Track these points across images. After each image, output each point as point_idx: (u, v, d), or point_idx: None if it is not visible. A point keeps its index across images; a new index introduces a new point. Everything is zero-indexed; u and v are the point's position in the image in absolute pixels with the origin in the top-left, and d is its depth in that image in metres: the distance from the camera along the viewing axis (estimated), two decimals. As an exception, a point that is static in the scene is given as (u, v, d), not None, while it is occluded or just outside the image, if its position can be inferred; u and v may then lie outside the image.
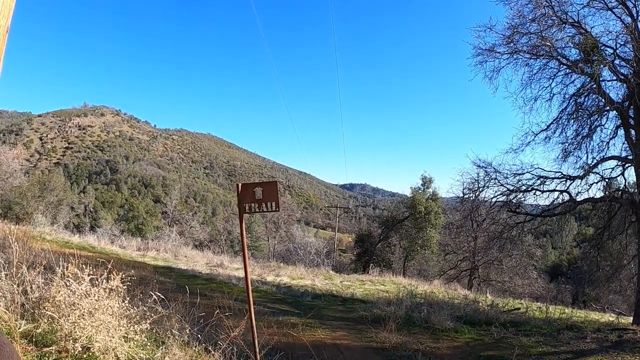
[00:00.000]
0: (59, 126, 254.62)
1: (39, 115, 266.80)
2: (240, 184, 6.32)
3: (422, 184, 44.05)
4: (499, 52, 15.90)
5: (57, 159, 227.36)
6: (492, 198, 17.73)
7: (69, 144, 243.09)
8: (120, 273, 5.20)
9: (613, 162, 15.57)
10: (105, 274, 5.09)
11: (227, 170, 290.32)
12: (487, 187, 17.71)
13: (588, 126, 15.39)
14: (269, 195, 6.16)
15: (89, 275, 4.92)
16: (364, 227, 55.49)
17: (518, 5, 15.22)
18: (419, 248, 42.67)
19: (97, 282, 4.92)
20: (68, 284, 4.88)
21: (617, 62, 14.22)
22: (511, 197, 16.87)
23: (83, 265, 5.10)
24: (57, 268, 5.22)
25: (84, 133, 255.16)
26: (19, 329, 4.60)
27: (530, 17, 15.02)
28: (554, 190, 16.18)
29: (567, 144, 15.69)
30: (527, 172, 16.33)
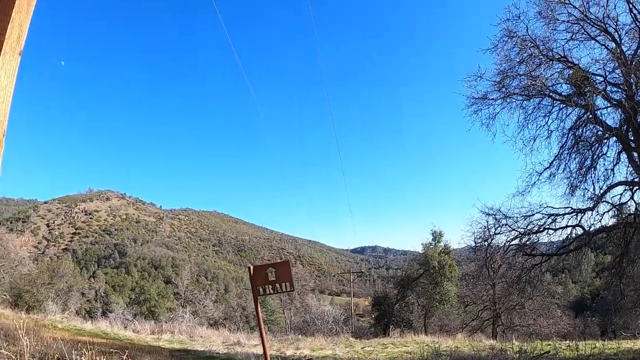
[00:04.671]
0: (66, 212, 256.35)
1: (45, 202, 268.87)
2: (252, 267, 6.24)
3: (432, 239, 43.92)
4: (492, 99, 16.28)
5: (65, 244, 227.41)
6: (505, 243, 17.56)
7: (76, 229, 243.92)
8: (136, 360, 5.00)
9: (621, 188, 15.56)
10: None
11: (236, 246, 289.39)
12: (499, 233, 17.66)
13: (590, 157, 15.50)
14: (283, 275, 6.07)
15: (103, 365, 4.73)
16: (380, 289, 54.83)
17: (504, 50, 15.70)
18: (437, 304, 41.93)
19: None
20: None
21: (608, 89, 14.51)
22: (524, 239, 16.77)
23: (97, 358, 4.92)
24: (70, 360, 5.04)
25: (91, 218, 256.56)
26: None
27: (517, 60, 15.44)
28: (566, 227, 16.07)
29: (572, 178, 15.76)
30: (536, 212, 16.34)
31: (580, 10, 14.25)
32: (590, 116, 14.35)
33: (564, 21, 14.63)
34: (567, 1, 14.27)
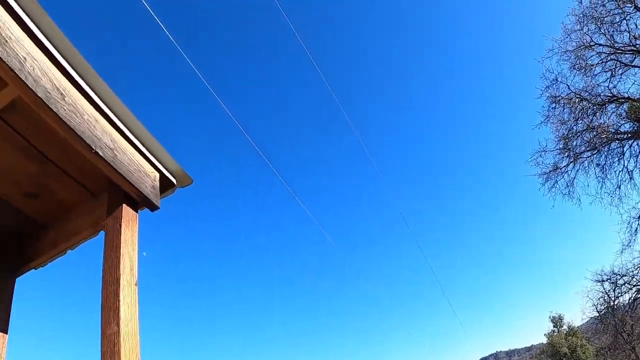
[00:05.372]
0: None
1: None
2: None
3: (554, 325, 41.46)
4: (564, 166, 16.25)
5: None
6: (629, 301, 16.37)
7: None
8: None
9: None
10: None
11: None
12: (620, 294, 16.65)
13: None
14: None
15: None
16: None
17: (556, 115, 15.89)
18: (581, 391, 38.07)
19: None
20: None
21: None
22: None
23: None
24: None
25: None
26: None
27: (572, 119, 15.40)
28: (687, 258, 15.06)
29: None
30: None
31: (607, 46, 14.48)
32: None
33: (597, 63, 14.81)
34: (592, 43, 14.45)
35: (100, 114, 2.16)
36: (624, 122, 15.01)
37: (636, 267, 15.74)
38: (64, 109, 1.92)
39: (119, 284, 2.05)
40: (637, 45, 14.23)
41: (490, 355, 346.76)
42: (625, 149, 15.22)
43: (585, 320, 20.97)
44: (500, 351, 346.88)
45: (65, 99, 1.94)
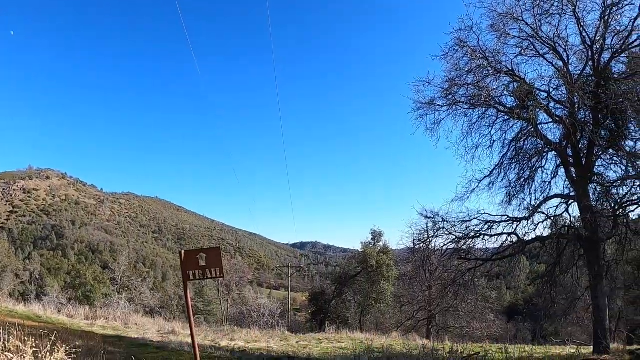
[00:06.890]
0: (3, 189, 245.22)
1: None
2: (183, 251, 6.29)
3: (372, 238, 44.21)
4: (439, 105, 16.38)
5: (1, 223, 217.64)
6: (442, 246, 17.59)
7: (13, 207, 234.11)
8: (65, 344, 4.98)
9: (557, 200, 16.19)
10: (49, 345, 4.87)
11: (176, 234, 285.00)
12: (437, 236, 17.55)
13: (529, 169, 15.99)
14: (213, 261, 6.11)
15: (32, 347, 4.70)
16: (317, 285, 55.55)
17: (454, 58, 15.84)
18: (373, 302, 42.31)
19: (40, 355, 4.70)
20: (9, 357, 4.64)
21: (551, 105, 15.04)
22: (460, 244, 16.84)
23: (26, 338, 4.87)
24: (-2, 341, 4.97)
25: (29, 197, 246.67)
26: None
27: (466, 69, 15.62)
28: (502, 234, 16.40)
29: (510, 188, 16.17)
30: (474, 218, 16.46)
31: (532, 28, 14.60)
32: (532, 129, 14.86)
33: (515, 36, 14.92)
34: (520, 18, 14.70)
35: None
36: (508, 96, 15.80)
37: (459, 220, 16.83)
38: None
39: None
40: (556, 44, 14.57)
41: (309, 243, 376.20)
42: (498, 119, 15.78)
43: (400, 247, 22.88)
44: (320, 242, 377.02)
45: None
